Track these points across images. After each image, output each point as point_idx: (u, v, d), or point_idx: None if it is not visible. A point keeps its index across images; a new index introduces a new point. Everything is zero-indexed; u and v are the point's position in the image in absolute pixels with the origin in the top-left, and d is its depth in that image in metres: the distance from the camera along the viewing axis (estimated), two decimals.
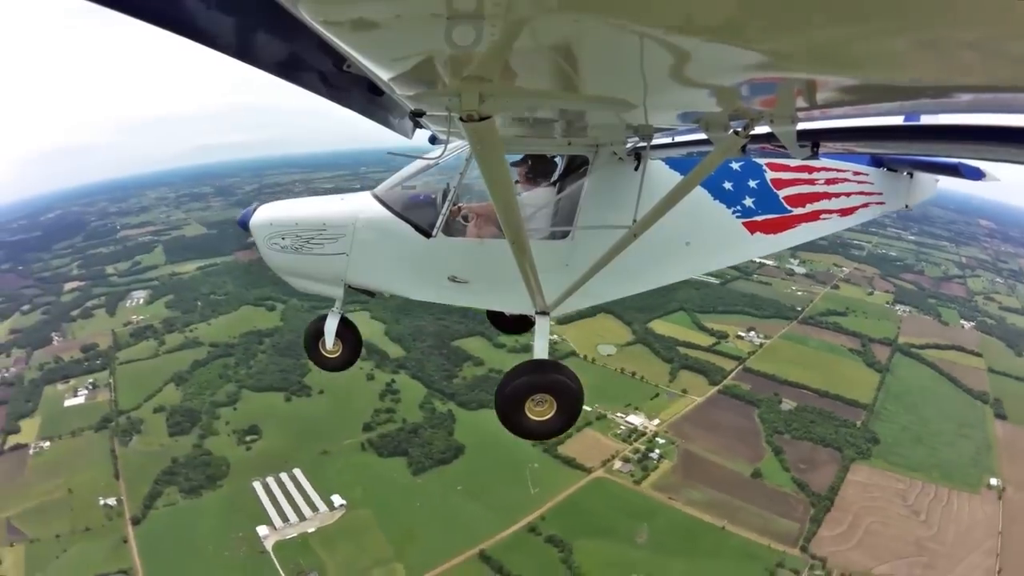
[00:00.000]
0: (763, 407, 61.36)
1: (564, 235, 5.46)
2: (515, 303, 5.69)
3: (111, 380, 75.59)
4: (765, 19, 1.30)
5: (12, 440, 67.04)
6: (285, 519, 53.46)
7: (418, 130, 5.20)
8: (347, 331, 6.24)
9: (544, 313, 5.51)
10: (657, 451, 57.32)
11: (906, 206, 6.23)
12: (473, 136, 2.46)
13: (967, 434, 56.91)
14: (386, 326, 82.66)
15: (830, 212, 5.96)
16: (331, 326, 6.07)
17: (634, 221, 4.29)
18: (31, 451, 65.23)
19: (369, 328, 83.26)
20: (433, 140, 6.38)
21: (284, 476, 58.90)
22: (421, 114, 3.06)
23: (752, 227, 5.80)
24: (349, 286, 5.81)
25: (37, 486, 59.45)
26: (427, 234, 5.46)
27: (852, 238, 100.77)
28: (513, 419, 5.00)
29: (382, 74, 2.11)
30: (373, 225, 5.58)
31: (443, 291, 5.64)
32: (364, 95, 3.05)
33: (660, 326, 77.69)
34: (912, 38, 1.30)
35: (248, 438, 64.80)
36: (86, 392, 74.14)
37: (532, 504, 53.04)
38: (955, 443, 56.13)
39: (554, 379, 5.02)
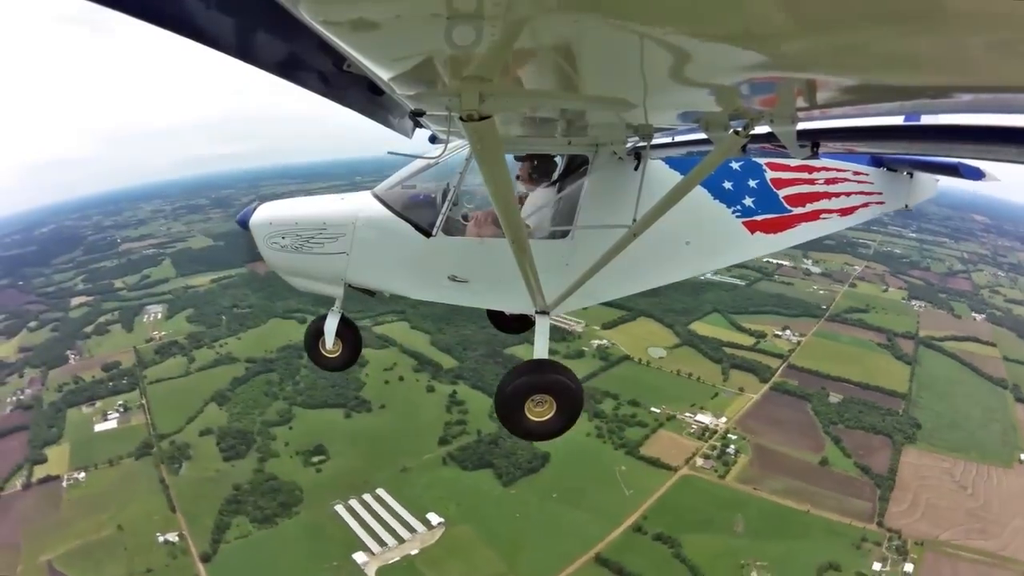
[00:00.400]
0: (814, 401, 65.00)
1: (564, 234, 5.49)
2: (515, 302, 5.75)
3: (144, 401, 70.05)
4: (765, 19, 1.32)
5: (40, 471, 61.01)
6: (382, 543, 51.45)
7: (418, 130, 5.26)
8: (347, 331, 6.25)
9: (544, 312, 5.55)
10: (732, 447, 60.65)
11: (906, 206, 6.32)
12: (473, 136, 2.49)
13: (993, 417, 62.19)
14: (430, 336, 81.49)
15: (830, 212, 6.02)
16: (331, 326, 6.08)
17: (634, 221, 4.31)
18: (65, 483, 59.56)
19: (413, 339, 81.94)
20: (433, 140, 6.42)
21: (368, 497, 56.73)
22: (421, 114, 3.09)
23: (752, 227, 5.84)
24: (349, 285, 5.83)
25: (78, 523, 54.13)
26: (427, 233, 5.49)
27: (857, 237, 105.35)
28: (513, 419, 5.02)
29: (382, 74, 2.13)
30: (373, 224, 5.62)
31: (443, 290, 5.69)
32: (364, 95, 3.10)
33: (701, 328, 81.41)
34: (912, 39, 1.32)
35: (315, 459, 61.84)
36: (117, 415, 68.42)
37: (630, 505, 54.49)
38: (985, 425, 61.10)
39: (554, 379, 5.03)
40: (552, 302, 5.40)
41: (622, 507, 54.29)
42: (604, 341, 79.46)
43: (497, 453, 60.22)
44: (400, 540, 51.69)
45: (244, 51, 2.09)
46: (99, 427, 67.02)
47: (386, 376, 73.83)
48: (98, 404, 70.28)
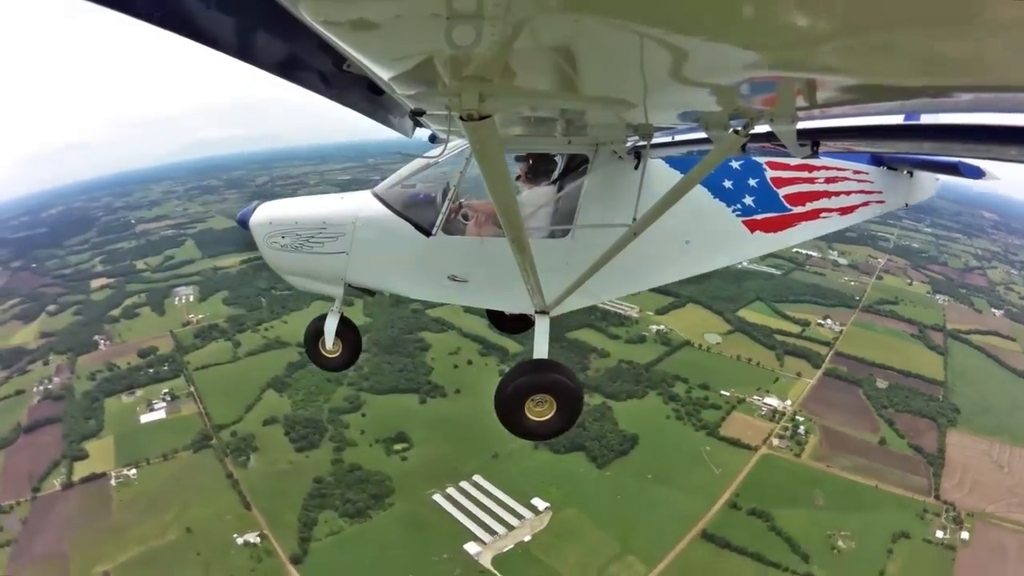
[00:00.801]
0: (864, 386, 68.98)
1: (564, 234, 5.52)
2: (515, 302, 5.79)
3: (192, 389, 64.15)
4: (765, 19, 1.33)
5: (81, 468, 54.87)
6: (491, 531, 50.78)
7: (418, 129, 5.30)
8: (347, 331, 6.30)
9: (544, 312, 5.59)
10: (802, 428, 64.66)
11: (906, 205, 6.37)
12: (473, 135, 2.52)
13: (1018, 405, 66.41)
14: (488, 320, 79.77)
15: (830, 211, 6.04)
16: (331, 326, 6.12)
17: (634, 220, 4.32)
18: (113, 481, 53.85)
19: (470, 322, 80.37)
20: (433, 139, 6.49)
21: (465, 485, 55.68)
22: (421, 113, 3.13)
23: (752, 226, 5.87)
24: (349, 285, 5.87)
25: (136, 527, 49.64)
26: (427, 233, 5.53)
27: (876, 230, 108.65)
28: (513, 419, 5.06)
29: (382, 74, 2.15)
30: (373, 224, 5.66)
31: (443, 290, 5.74)
32: (364, 95, 3.14)
33: (748, 315, 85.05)
34: (912, 39, 1.33)
35: (397, 447, 59.78)
36: (164, 404, 63.25)
37: (720, 484, 57.06)
38: (1012, 412, 65.27)
39: (554, 379, 5.06)
40: (552, 302, 5.43)
41: (714, 485, 56.64)
42: (662, 326, 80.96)
43: (586, 436, 60.74)
44: (509, 527, 51.36)
45: (244, 51, 2.09)
46: (145, 418, 62.81)
47: (453, 360, 71.99)
48: (139, 393, 65.71)
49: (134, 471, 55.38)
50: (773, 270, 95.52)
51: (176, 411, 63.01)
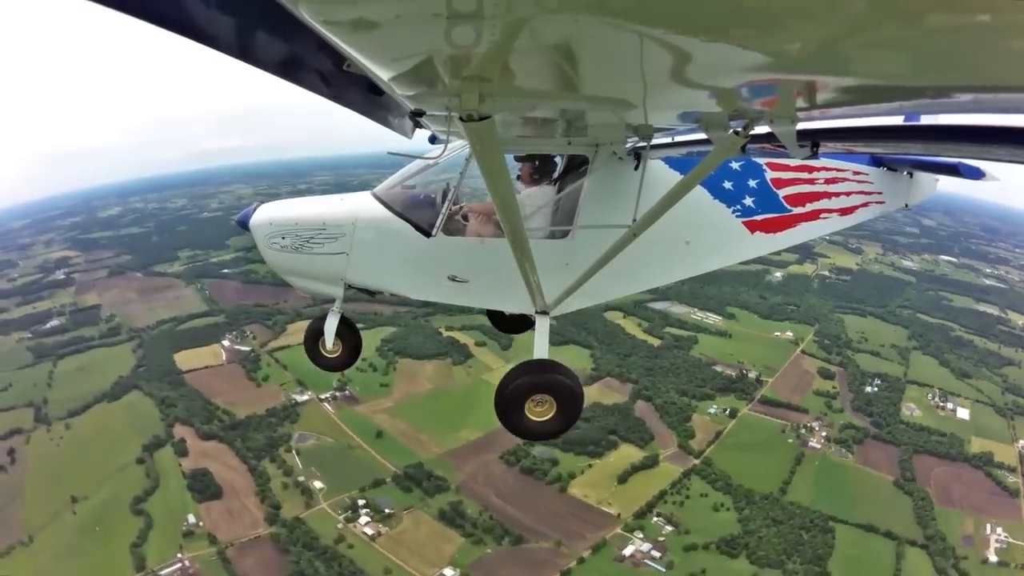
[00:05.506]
0: None
1: (564, 234, 5.62)
2: (515, 303, 5.87)
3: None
4: (765, 20, 1.35)
5: None
6: None
7: (418, 130, 5.31)
8: (347, 331, 6.39)
9: (544, 313, 5.68)
10: None
11: (906, 205, 6.47)
12: (473, 136, 2.56)
13: None
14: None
15: (830, 211, 6.16)
16: (331, 326, 6.20)
17: (634, 220, 4.40)
18: None
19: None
20: (433, 140, 6.59)
21: None
22: (421, 114, 3.14)
23: (752, 226, 5.97)
24: (349, 285, 5.96)
25: None
26: (427, 233, 5.62)
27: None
28: (513, 419, 5.11)
29: (382, 74, 2.17)
30: (373, 224, 5.74)
31: (443, 291, 5.84)
32: (364, 95, 3.15)
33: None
34: (912, 39, 1.35)
35: None
36: None
37: None
38: None
39: (554, 379, 5.12)
40: (552, 302, 5.56)
41: None
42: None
43: None
44: None
45: (244, 51, 2.15)
46: None
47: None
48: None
49: None
50: (1002, 284, 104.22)
51: None
